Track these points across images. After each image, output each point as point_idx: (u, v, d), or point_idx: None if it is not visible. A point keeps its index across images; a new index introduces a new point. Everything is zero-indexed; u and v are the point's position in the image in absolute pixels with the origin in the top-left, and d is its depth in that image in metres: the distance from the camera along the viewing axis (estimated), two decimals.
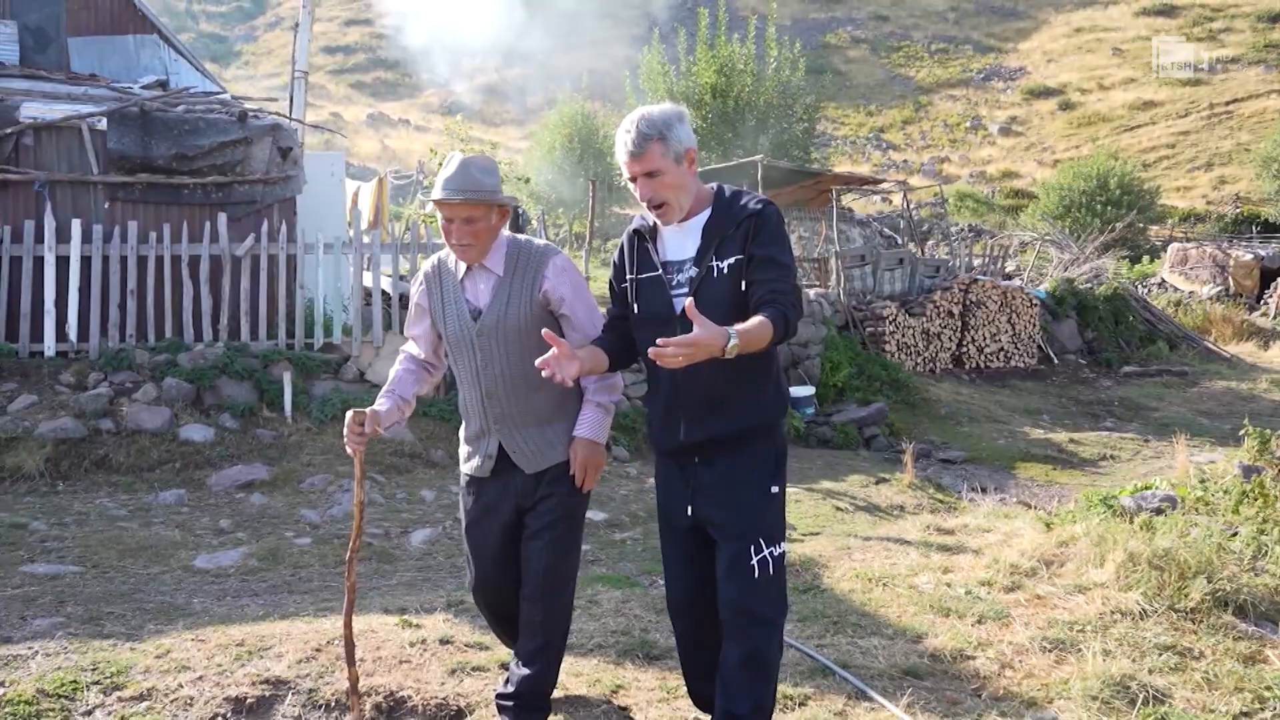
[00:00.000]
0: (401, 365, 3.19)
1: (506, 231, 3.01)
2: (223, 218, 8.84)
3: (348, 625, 3.00)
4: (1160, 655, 3.69)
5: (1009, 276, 18.88)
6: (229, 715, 3.19)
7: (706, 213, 2.76)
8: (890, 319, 14.13)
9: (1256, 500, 5.50)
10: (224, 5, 68.53)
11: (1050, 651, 3.81)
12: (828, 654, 3.78)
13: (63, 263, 8.45)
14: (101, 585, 4.98)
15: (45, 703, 3.18)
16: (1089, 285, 19.07)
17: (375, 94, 55.44)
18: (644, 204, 2.76)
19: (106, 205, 8.78)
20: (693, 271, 2.73)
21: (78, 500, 6.74)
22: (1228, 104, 47.65)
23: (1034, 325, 16.62)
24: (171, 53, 12.90)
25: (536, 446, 2.99)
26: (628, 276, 2.87)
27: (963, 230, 30.43)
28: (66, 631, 4.00)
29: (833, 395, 12.16)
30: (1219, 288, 24.23)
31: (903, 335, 14.34)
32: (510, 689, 3.06)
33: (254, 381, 8.30)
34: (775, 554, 2.73)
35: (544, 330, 2.63)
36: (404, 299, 8.94)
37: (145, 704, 3.23)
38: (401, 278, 9.66)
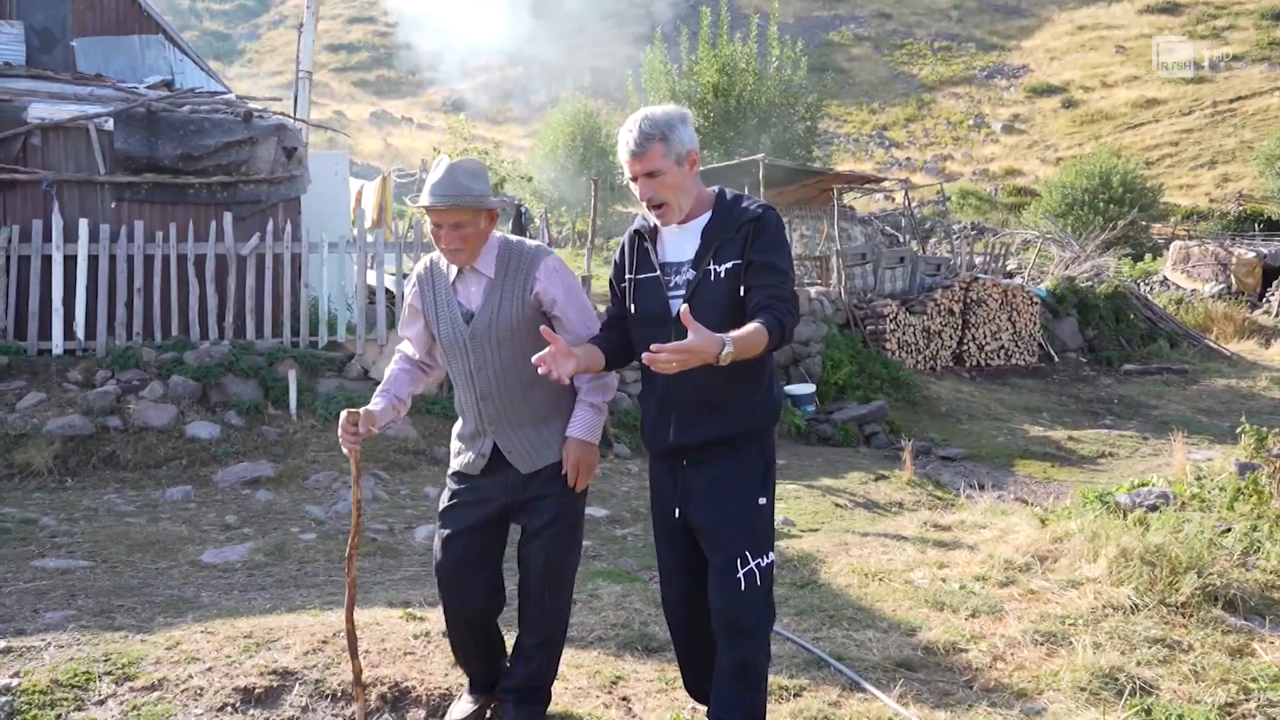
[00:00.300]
0: (397, 365, 3.19)
1: (497, 233, 3.02)
2: (228, 217, 8.93)
3: (350, 620, 3.06)
4: (1149, 648, 3.76)
5: (1010, 275, 18.94)
6: (238, 705, 3.27)
7: (707, 215, 2.78)
8: (891, 317, 14.19)
9: (1251, 497, 5.57)
10: (227, 3, 68.61)
11: (1041, 644, 3.88)
12: (823, 647, 3.86)
13: (70, 262, 8.54)
14: (111, 579, 5.06)
15: (59, 692, 3.27)
16: (1090, 283, 19.12)
17: (378, 92, 55.51)
18: (644, 204, 2.78)
19: (113, 205, 8.87)
20: (690, 274, 2.74)
21: (86, 496, 6.83)
22: (1231, 102, 47.59)
23: (1034, 323, 16.68)
24: (176, 52, 12.98)
25: (531, 446, 3.00)
26: (627, 276, 2.89)
27: (965, 228, 30.47)
28: (78, 624, 4.08)
29: (833, 393, 12.24)
30: (1221, 286, 24.24)
31: (903, 333, 14.41)
32: (510, 682, 3.12)
33: (259, 379, 8.39)
34: (763, 565, 2.73)
35: (541, 328, 2.65)
36: None
37: (156, 694, 3.31)
38: (405, 276, 9.74)
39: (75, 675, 3.38)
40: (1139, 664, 3.62)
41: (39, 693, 3.23)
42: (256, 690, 3.34)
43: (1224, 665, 3.60)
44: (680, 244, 2.80)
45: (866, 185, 21.25)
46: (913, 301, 15.11)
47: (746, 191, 3.40)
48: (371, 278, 9.53)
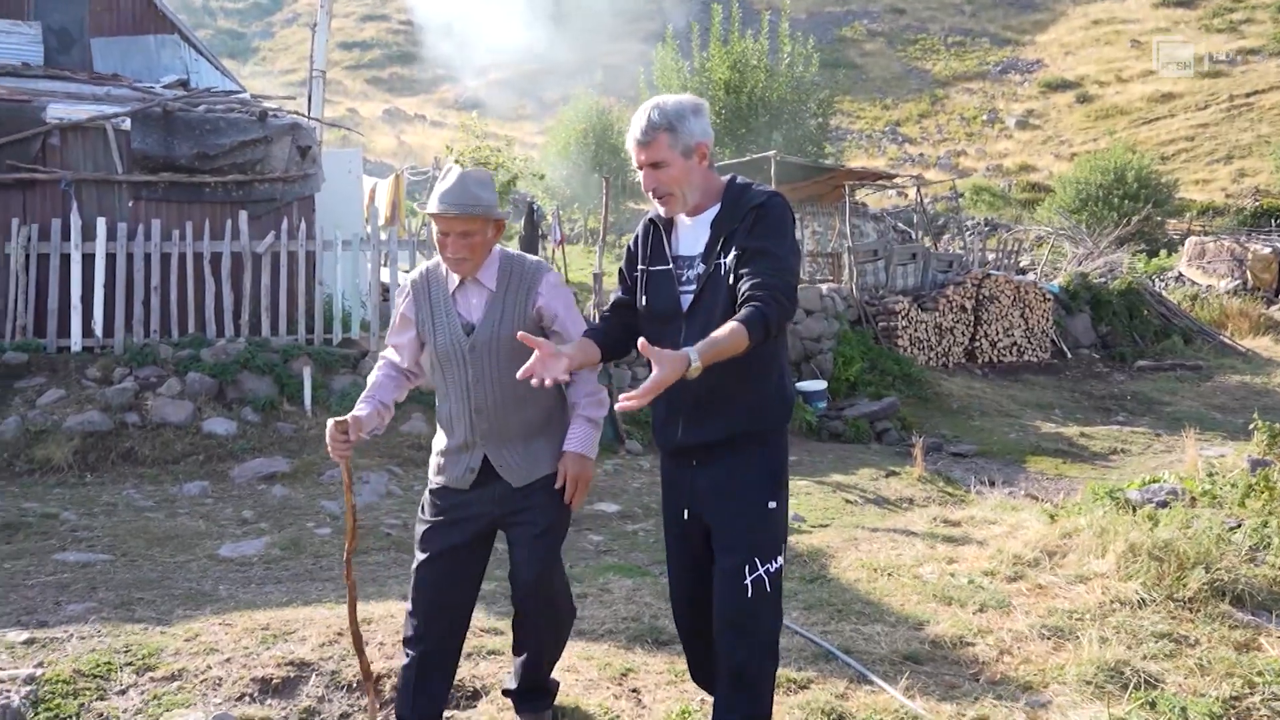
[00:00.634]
0: (381, 371, 3.10)
1: (497, 246, 3.01)
2: (243, 215, 9.02)
3: (353, 622, 3.07)
4: (1156, 642, 3.79)
5: (1023, 271, 18.89)
6: (256, 695, 3.34)
7: (717, 207, 2.72)
8: (903, 314, 14.19)
9: (1262, 494, 5.57)
10: (241, 2, 68.93)
11: (1048, 639, 3.91)
12: (831, 640, 3.90)
13: (89, 260, 8.65)
14: (131, 572, 5.15)
15: (81, 682, 3.34)
16: (1103, 280, 19.06)
17: (392, 89, 55.67)
18: (649, 194, 2.74)
19: (130, 204, 8.98)
20: (700, 268, 2.69)
21: (105, 491, 6.93)
22: (1248, 96, 47.18)
23: (1047, 320, 16.64)
24: (192, 52, 13.10)
25: (525, 460, 2.96)
26: (639, 266, 2.84)
27: (978, 224, 30.36)
28: (99, 616, 4.16)
29: (845, 390, 12.26)
30: (1237, 282, 24.07)
31: (915, 330, 14.41)
32: (513, 685, 3.18)
33: (274, 376, 8.48)
34: (771, 570, 2.66)
35: (519, 333, 2.55)
36: None
37: (176, 684, 3.38)
38: None
39: (97, 665, 3.45)
40: (1145, 658, 3.65)
41: (62, 682, 3.31)
42: (274, 681, 3.40)
43: (1230, 659, 3.62)
44: (693, 237, 2.75)
45: (879, 182, 21.23)
46: (925, 298, 15.10)
47: None
48: (385, 275, 9.61)
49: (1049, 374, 15.61)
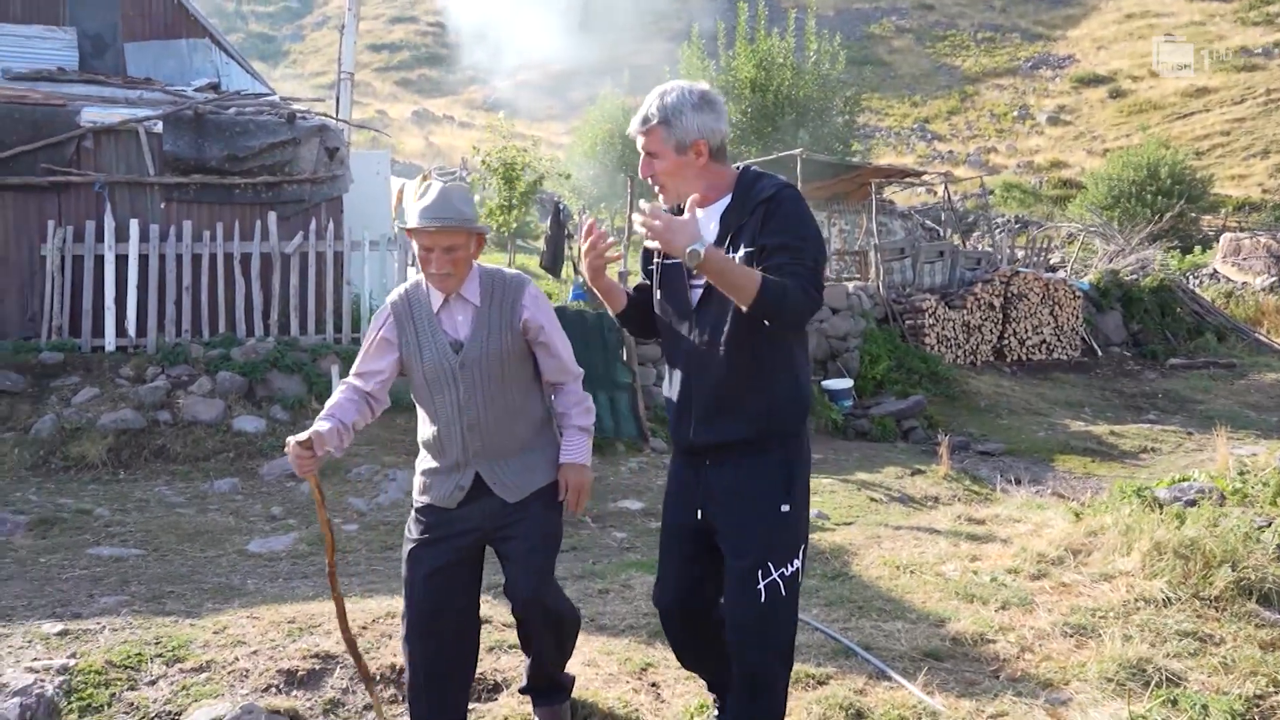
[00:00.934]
0: (343, 394, 2.97)
1: (477, 261, 2.97)
2: (273, 216, 9.15)
3: (345, 631, 3.04)
4: (1180, 641, 3.76)
5: (1053, 268, 18.71)
6: (282, 686, 3.40)
7: (728, 199, 2.64)
8: (929, 312, 14.11)
9: None
10: (272, 5, 69.69)
11: (1071, 636, 3.89)
12: (852, 636, 3.90)
13: (122, 261, 8.81)
14: (162, 567, 5.25)
15: (113, 672, 3.42)
16: (1134, 277, 18.83)
17: (420, 91, 56.07)
18: (645, 179, 2.71)
19: (163, 205, 9.13)
20: None
21: (138, 488, 7.06)
22: None
23: (1077, 317, 16.47)
24: (222, 55, 13.29)
25: (519, 475, 2.94)
26: (654, 260, 2.80)
27: (1008, 222, 30.09)
28: (131, 609, 4.26)
29: (871, 388, 12.22)
30: (1273, 278, 23.69)
31: (942, 328, 14.32)
32: (527, 683, 3.21)
33: (303, 375, 8.59)
34: (786, 575, 2.58)
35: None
36: None
37: (204, 675, 3.45)
38: None
39: (128, 656, 3.53)
40: (1168, 656, 3.62)
41: (94, 672, 3.39)
42: (299, 673, 3.46)
43: (1254, 658, 3.59)
44: (703, 229, 2.59)
45: (906, 179, 21.11)
46: (952, 296, 15.00)
47: None
48: (412, 275, 9.69)
49: (1079, 372, 15.45)
